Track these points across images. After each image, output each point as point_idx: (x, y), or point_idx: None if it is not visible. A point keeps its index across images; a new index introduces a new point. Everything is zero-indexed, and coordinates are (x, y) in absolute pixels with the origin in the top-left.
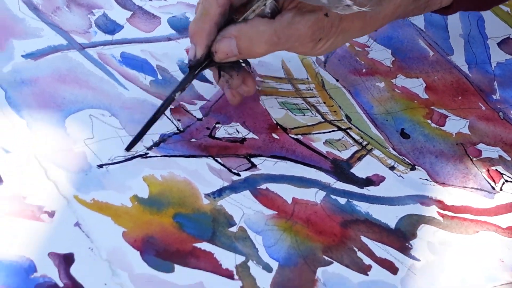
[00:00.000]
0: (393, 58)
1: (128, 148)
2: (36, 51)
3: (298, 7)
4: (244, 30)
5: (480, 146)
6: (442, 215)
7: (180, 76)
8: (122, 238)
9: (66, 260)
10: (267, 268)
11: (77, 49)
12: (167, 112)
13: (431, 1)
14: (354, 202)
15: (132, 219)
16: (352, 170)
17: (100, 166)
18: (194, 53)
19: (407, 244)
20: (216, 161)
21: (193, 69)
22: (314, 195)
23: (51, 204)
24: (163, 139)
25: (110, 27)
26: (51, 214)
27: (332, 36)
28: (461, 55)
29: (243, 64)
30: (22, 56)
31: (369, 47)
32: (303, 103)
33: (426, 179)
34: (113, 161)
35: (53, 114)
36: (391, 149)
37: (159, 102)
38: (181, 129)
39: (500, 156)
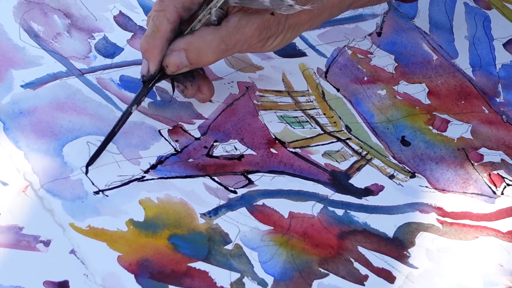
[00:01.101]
0: (396, 64)
1: (88, 164)
2: (35, 80)
3: (243, 10)
4: (191, 42)
5: (482, 150)
6: (442, 222)
7: (180, 97)
8: (117, 263)
9: None
10: (263, 284)
11: (76, 75)
12: (165, 133)
13: None
14: (352, 213)
15: (128, 243)
16: (351, 181)
17: (96, 192)
18: (147, 68)
19: (405, 252)
20: (213, 179)
21: (147, 83)
22: (311, 208)
23: (47, 233)
24: (160, 161)
25: (110, 50)
26: (47, 243)
27: (280, 33)
28: (465, 58)
29: (199, 72)
30: (21, 86)
31: (372, 53)
32: (302, 116)
33: (426, 186)
34: (109, 187)
35: (51, 143)
36: (391, 157)
37: (157, 124)
38: (179, 150)
39: (502, 160)
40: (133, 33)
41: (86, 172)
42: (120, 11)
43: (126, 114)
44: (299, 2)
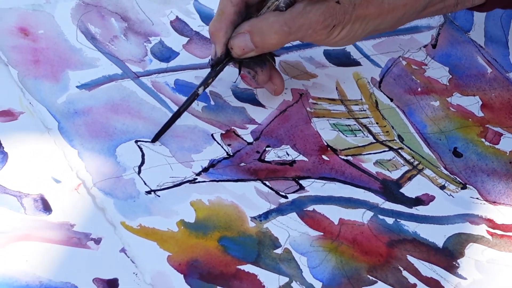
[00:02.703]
0: (450, 76)
1: (153, 140)
2: (91, 82)
3: None
4: (255, 24)
5: None
6: (491, 234)
7: (233, 101)
8: (166, 262)
9: (110, 285)
10: None
11: (131, 78)
12: (217, 137)
13: None
14: (402, 221)
15: (178, 243)
16: (402, 190)
17: (148, 192)
18: (214, 51)
19: (454, 262)
20: (264, 184)
21: (215, 66)
22: (361, 216)
23: (98, 231)
24: (212, 164)
25: (165, 54)
26: (98, 241)
27: (347, 23)
28: None
29: (270, 61)
30: (77, 86)
31: (426, 65)
32: (355, 124)
33: (477, 198)
34: (161, 187)
35: (104, 143)
36: (442, 168)
37: (210, 128)
38: (231, 154)
39: None
40: (189, 38)
41: (139, 172)
42: (176, 16)
43: (193, 96)
44: None
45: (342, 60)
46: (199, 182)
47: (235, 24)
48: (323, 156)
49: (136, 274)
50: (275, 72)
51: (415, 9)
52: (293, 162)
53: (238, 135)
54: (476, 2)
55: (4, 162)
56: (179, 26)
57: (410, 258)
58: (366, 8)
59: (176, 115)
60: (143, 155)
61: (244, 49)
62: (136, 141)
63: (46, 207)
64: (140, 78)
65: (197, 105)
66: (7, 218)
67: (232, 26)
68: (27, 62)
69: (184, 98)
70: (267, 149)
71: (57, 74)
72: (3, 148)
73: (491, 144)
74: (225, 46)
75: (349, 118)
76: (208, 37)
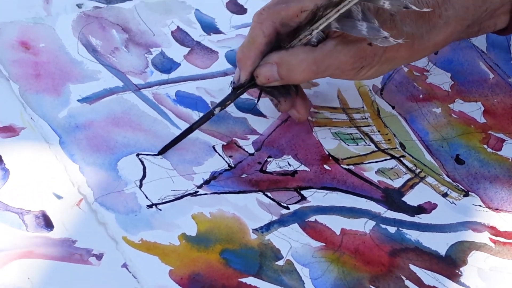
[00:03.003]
0: (452, 82)
1: (160, 153)
2: (92, 95)
3: (343, 35)
4: (284, 57)
5: None
6: (494, 241)
7: (235, 111)
8: (168, 277)
9: None
10: None
11: (132, 91)
12: (219, 149)
13: (484, 25)
14: (404, 230)
15: (180, 257)
16: (404, 199)
17: (150, 206)
18: (238, 77)
19: (456, 271)
20: (266, 195)
21: (236, 89)
22: (363, 225)
23: (100, 246)
24: (214, 176)
25: (166, 65)
26: (99, 257)
27: (375, 64)
28: None
29: (294, 90)
30: (78, 100)
31: (428, 71)
32: (357, 133)
33: (479, 205)
34: (163, 201)
35: (106, 158)
36: (445, 175)
37: (211, 139)
38: (232, 166)
39: None
40: (190, 48)
41: (140, 186)
42: (177, 27)
43: (208, 115)
44: (397, 36)
45: None
46: (200, 194)
47: (264, 54)
48: (325, 166)
49: None
50: (300, 100)
51: (442, 47)
52: (294, 172)
53: (240, 146)
54: (498, 26)
55: (6, 178)
56: (180, 36)
57: (412, 267)
58: (397, 51)
59: (188, 131)
60: (144, 168)
61: (269, 78)
62: (138, 154)
63: (48, 224)
64: (141, 90)
65: (198, 116)
66: (9, 235)
67: (261, 56)
68: (28, 76)
69: (185, 110)
70: (268, 159)
71: (58, 88)
72: (5, 164)
73: (493, 151)
74: (251, 74)
75: (350, 127)
76: (209, 47)
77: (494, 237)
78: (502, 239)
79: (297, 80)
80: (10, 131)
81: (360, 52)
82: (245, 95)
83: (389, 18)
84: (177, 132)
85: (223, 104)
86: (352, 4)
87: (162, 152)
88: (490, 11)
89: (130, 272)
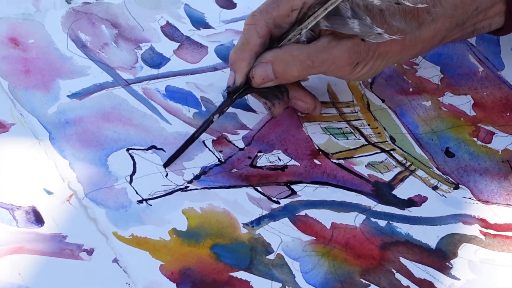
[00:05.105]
0: (442, 75)
1: (165, 165)
2: (82, 90)
3: (334, 33)
4: (278, 55)
5: None
6: (484, 234)
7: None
8: (159, 272)
9: None
10: None
11: (122, 86)
12: (209, 144)
13: (478, 25)
14: (395, 224)
15: (170, 252)
16: (394, 192)
17: (140, 201)
18: (233, 80)
19: (447, 263)
20: (256, 190)
21: (232, 94)
22: (353, 219)
23: (90, 241)
24: (204, 171)
25: (156, 60)
26: (90, 252)
27: (370, 60)
28: (511, 70)
29: (286, 92)
30: (68, 96)
31: (417, 64)
32: (346, 127)
33: (470, 198)
34: (153, 196)
35: (96, 153)
36: (435, 168)
37: (202, 135)
38: (222, 160)
39: None
40: (179, 43)
41: (131, 182)
42: (167, 21)
43: (208, 122)
44: (389, 31)
45: None
46: (191, 190)
47: (258, 55)
48: (315, 160)
49: (129, 284)
50: (301, 92)
51: (432, 44)
52: (284, 167)
53: (230, 141)
54: (493, 27)
55: None
56: (169, 31)
57: (403, 260)
58: (389, 45)
59: (190, 141)
60: (134, 163)
61: (265, 78)
62: (128, 149)
63: (38, 219)
64: (131, 85)
65: (188, 112)
66: (0, 231)
67: (255, 57)
68: (17, 72)
69: (175, 105)
70: (258, 154)
71: (47, 84)
72: None
73: (483, 143)
74: (246, 76)
75: (340, 121)
76: (199, 41)
77: (484, 230)
78: (492, 231)
79: (293, 76)
80: (0, 127)
81: (355, 47)
82: None
83: (379, 13)
84: (167, 127)
85: (220, 110)
86: (339, 2)
87: (167, 164)
88: (481, 10)
89: (121, 267)
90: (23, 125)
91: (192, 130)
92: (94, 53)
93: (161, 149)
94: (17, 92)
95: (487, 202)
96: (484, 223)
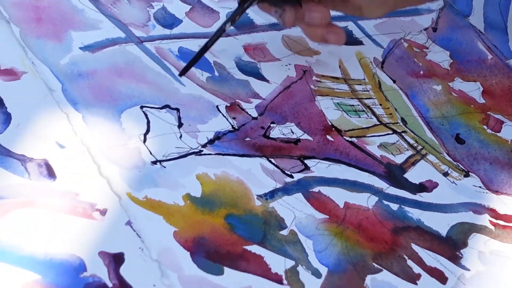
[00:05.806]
0: (451, 61)
1: (181, 74)
2: (94, 44)
3: None
4: None
5: None
6: (494, 224)
7: (237, 73)
8: (173, 238)
9: (116, 260)
10: (316, 274)
11: (135, 43)
12: (222, 109)
13: None
14: (406, 208)
15: (184, 218)
16: (406, 175)
17: (154, 162)
18: None
19: (457, 253)
20: (270, 161)
21: (243, 2)
22: (366, 200)
23: (104, 201)
24: (218, 136)
25: (168, 21)
26: (103, 212)
27: None
28: None
29: None
30: (80, 48)
31: (427, 48)
32: (359, 105)
33: (480, 187)
34: (167, 158)
35: (109, 108)
36: (445, 154)
37: (215, 99)
38: (236, 127)
39: None
40: (191, 6)
41: (144, 141)
42: None
43: (220, 31)
44: None
45: None
46: (205, 154)
47: None
48: (328, 136)
49: (142, 249)
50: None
51: None
52: (298, 140)
53: (243, 109)
54: None
55: (7, 123)
56: None
57: (414, 246)
58: None
59: (203, 50)
60: (148, 122)
61: None
62: (142, 107)
63: (51, 173)
64: (143, 43)
65: (202, 75)
66: (12, 183)
67: None
68: (29, 20)
69: None
70: (271, 125)
71: (60, 34)
72: (6, 108)
73: (493, 132)
74: None
75: (352, 98)
76: (211, 6)
77: (494, 220)
78: (502, 223)
79: None
80: (11, 74)
81: None
82: (247, 58)
83: None
84: (181, 88)
85: (232, 18)
86: None
87: (182, 73)
88: None
89: (135, 231)
90: (34, 74)
91: (205, 94)
92: (106, 7)
93: (176, 108)
94: (28, 40)
95: (497, 192)
96: (494, 213)
